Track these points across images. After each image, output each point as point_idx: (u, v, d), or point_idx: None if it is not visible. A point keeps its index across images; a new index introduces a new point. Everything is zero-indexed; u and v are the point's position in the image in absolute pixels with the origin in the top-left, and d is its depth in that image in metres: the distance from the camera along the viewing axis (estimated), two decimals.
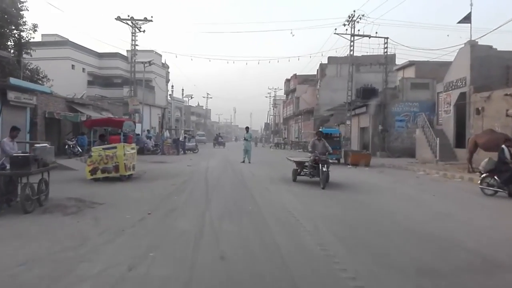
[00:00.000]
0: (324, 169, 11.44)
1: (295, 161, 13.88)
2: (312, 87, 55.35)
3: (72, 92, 32.58)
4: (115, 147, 12.82)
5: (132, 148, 14.04)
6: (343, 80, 49.91)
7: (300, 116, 56.20)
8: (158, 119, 50.28)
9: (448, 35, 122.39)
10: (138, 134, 30.80)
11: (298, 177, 13.24)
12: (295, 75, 59.60)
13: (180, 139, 30.43)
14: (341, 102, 49.17)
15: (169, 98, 56.55)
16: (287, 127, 68.98)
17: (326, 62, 51.41)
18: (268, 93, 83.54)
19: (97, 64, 45.81)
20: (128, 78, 46.44)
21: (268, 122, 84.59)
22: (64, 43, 40.84)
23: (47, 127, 21.86)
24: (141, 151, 28.62)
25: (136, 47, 30.63)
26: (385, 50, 29.42)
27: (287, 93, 66.50)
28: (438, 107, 25.17)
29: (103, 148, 12.84)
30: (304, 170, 13.04)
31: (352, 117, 31.03)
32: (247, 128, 21.99)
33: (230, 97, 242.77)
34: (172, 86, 57.62)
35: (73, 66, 41.38)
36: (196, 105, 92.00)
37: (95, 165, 12.60)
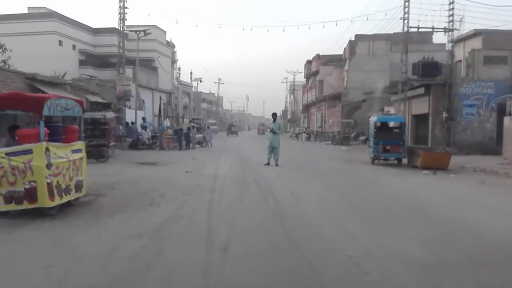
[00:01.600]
0: None
1: None
2: (339, 68, 48.33)
3: (60, 72, 26.69)
4: (29, 151, 6.44)
5: (76, 151, 7.63)
6: (377, 60, 42.96)
7: (324, 102, 49.33)
8: (162, 105, 44.02)
9: None
10: (133, 123, 24.58)
11: None
12: (318, 55, 52.50)
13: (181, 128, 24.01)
14: (374, 85, 42.35)
15: (175, 82, 50.16)
16: (307, 115, 62.12)
17: (353, 41, 44.34)
18: (285, 78, 76.53)
19: (91, 41, 39.66)
20: (128, 58, 40.41)
21: (286, 109, 77.58)
22: (49, 15, 34.64)
23: None
24: (135, 145, 22.47)
25: (126, 14, 24.02)
26: (451, 12, 22.36)
27: (307, 76, 59.42)
28: None
29: (6, 154, 6.47)
30: None
31: (399, 102, 24.03)
32: (274, 115, 15.42)
33: (242, 83, 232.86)
34: (179, 68, 51.19)
35: (60, 42, 35.25)
36: (208, 92, 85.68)
37: None
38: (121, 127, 22.69)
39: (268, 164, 14.31)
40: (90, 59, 38.44)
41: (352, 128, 37.41)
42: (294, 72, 64.72)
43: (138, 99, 37.37)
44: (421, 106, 23.12)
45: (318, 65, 51.89)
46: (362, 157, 19.49)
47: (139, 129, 23.60)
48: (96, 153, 15.20)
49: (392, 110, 33.27)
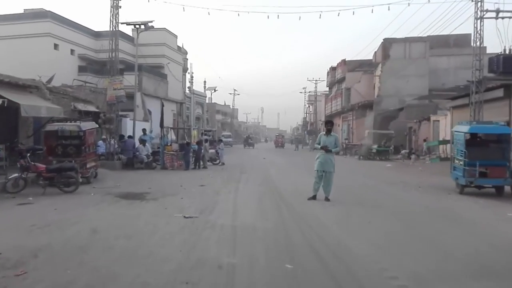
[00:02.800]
0: None
1: None
2: (368, 75, 43.25)
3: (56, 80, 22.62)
4: None
5: None
6: (414, 64, 37.75)
7: (351, 112, 44.17)
8: (173, 116, 39.54)
9: None
10: (131, 136, 19.90)
11: None
12: (343, 61, 47.50)
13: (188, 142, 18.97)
14: (412, 92, 37.15)
15: (187, 91, 45.68)
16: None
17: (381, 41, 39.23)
18: (304, 88, 71.49)
19: (93, 45, 35.49)
20: (132, 63, 36.14)
21: (305, 120, 72.26)
22: (42, 15, 30.57)
23: None
24: (130, 164, 17.79)
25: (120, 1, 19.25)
26: None
27: (331, 84, 54.29)
28: None
29: None
30: None
31: (472, 107, 18.42)
32: (329, 123, 10.12)
33: (258, 93, 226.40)
34: (192, 76, 46.73)
35: (56, 46, 31.15)
36: (223, 104, 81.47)
37: None
38: (113, 141, 18.01)
39: (314, 198, 9.26)
40: (91, 66, 34.26)
41: (389, 141, 32.08)
42: (316, 80, 59.53)
43: (144, 109, 32.95)
44: (497, 113, 17.76)
45: (344, 72, 46.86)
46: (428, 180, 14.37)
47: (137, 144, 18.89)
48: (60, 180, 10.46)
49: (441, 119, 27.97)
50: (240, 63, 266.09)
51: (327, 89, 60.42)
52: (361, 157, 29.98)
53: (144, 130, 19.80)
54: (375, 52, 42.38)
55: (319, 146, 9.31)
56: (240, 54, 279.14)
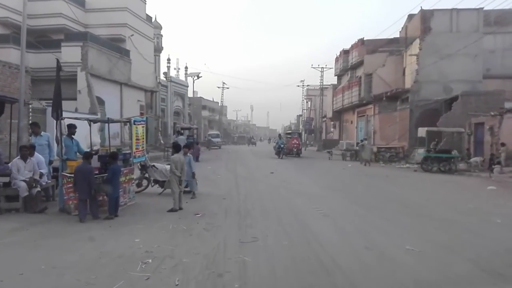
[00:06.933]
0: None
1: None
2: (395, 56, 33.64)
3: None
4: None
5: None
6: (464, 40, 28.21)
7: (371, 106, 34.52)
8: (140, 108, 29.35)
9: None
10: None
11: None
12: (361, 40, 37.74)
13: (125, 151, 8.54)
14: (462, 77, 27.95)
15: (162, 77, 35.58)
16: (339, 124, 47.19)
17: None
18: (301, 81, 61.98)
19: (22, 8, 25.21)
20: (78, 34, 26.37)
21: (309, 117, 62.26)
22: None
23: None
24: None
25: None
26: None
27: (342, 72, 44.51)
28: None
29: None
30: None
31: None
32: None
33: (246, 88, 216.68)
34: (169, 60, 36.64)
35: None
36: (211, 100, 71.49)
37: None
38: None
39: None
40: (18, 35, 24.02)
41: (439, 142, 22.36)
42: (322, 67, 49.58)
43: (90, 96, 22.78)
44: None
45: (361, 54, 37.12)
46: None
47: (16, 159, 8.75)
48: None
49: None
50: (229, 55, 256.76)
51: (329, 82, 50.90)
52: (423, 166, 20.26)
53: (33, 125, 9.61)
54: (406, 26, 32.85)
55: None
56: (229, 47, 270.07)
